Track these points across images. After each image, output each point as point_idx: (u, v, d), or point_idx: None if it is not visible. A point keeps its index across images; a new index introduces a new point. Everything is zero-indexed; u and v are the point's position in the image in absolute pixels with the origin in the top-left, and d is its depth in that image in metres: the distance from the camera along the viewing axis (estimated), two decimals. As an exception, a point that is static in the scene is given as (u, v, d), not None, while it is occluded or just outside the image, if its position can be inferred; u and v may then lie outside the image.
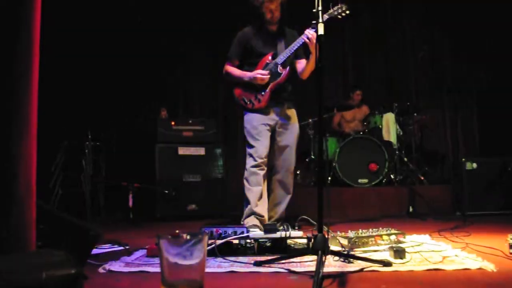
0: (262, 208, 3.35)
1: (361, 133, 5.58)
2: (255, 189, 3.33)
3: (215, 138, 5.19)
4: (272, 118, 3.42)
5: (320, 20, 2.04)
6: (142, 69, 5.82)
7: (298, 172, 5.78)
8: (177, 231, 2.46)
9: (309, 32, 3.16)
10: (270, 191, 3.50)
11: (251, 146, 3.37)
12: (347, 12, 3.11)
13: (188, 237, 1.08)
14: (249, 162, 3.36)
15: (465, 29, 6.18)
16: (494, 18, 5.84)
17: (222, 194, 5.01)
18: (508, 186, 4.49)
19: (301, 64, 3.46)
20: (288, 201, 3.52)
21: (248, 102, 3.37)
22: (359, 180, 5.14)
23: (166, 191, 4.62)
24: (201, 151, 4.99)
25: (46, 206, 1.72)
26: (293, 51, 3.30)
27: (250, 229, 3.13)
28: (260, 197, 3.35)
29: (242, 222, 3.34)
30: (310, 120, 5.54)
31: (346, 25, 6.69)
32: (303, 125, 5.72)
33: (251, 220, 3.26)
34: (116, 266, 2.11)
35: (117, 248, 2.75)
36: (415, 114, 5.53)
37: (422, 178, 5.29)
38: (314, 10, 2.10)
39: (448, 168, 6.16)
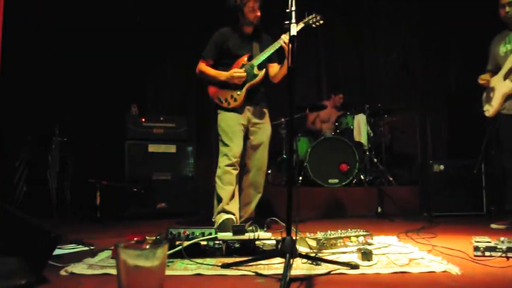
0: (234, 206, 3.36)
1: (333, 133, 5.61)
2: (228, 188, 3.34)
3: (187, 136, 5.13)
4: (246, 117, 3.47)
5: (293, 20, 2.02)
6: (113, 65, 5.68)
7: (269, 172, 5.78)
8: (135, 239, 2.42)
9: (286, 37, 3.23)
10: (240, 190, 3.51)
11: (226, 145, 3.38)
12: (321, 22, 3.30)
13: (147, 246, 1.02)
14: (223, 161, 3.37)
15: (436, 32, 6.30)
16: (464, 23, 5.97)
17: (193, 193, 4.96)
18: (473, 188, 4.61)
19: (273, 68, 3.55)
20: (258, 200, 3.56)
21: (224, 101, 3.40)
22: (330, 180, 5.17)
23: (135, 189, 4.54)
24: (172, 148, 4.93)
25: (2, 204, 1.64)
26: (269, 54, 3.37)
27: (221, 227, 3.12)
28: (233, 196, 3.37)
29: (213, 220, 3.35)
30: (283, 120, 5.54)
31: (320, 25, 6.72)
32: (275, 125, 5.73)
33: (222, 217, 3.25)
34: (79, 268, 2.04)
35: (81, 248, 2.68)
36: (385, 116, 5.60)
37: (391, 179, 5.37)
38: (287, 10, 2.08)
39: (416, 170, 6.26)
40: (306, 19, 3.30)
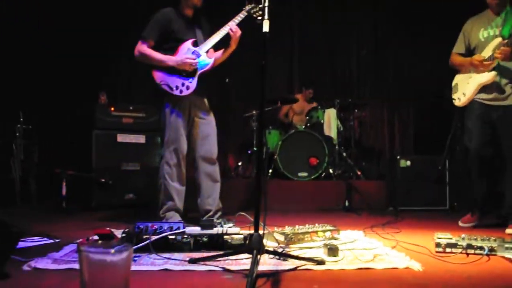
0: (181, 204, 3.35)
1: (303, 127, 5.66)
2: (176, 185, 3.30)
3: (157, 126, 5.04)
4: (194, 108, 3.37)
5: (266, 17, 2.01)
6: (82, 52, 5.55)
7: (239, 164, 5.79)
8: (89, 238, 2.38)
9: (233, 25, 3.18)
10: (198, 184, 3.43)
11: (174, 140, 3.28)
12: (260, 13, 3.05)
13: (113, 251, 1.01)
14: (171, 157, 3.28)
15: (408, 28, 6.41)
16: (436, 21, 6.08)
17: (162, 184, 4.90)
18: (437, 183, 4.74)
19: (210, 53, 3.36)
20: (219, 189, 3.48)
21: (175, 88, 3.20)
22: (299, 174, 5.22)
23: (103, 180, 4.46)
24: (141, 138, 4.85)
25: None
26: (217, 40, 3.23)
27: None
28: (180, 192, 3.34)
29: (162, 215, 3.29)
30: (254, 112, 5.54)
31: (294, 19, 6.76)
32: (247, 117, 5.75)
33: (175, 217, 3.24)
34: (43, 263, 1.99)
35: (46, 241, 2.62)
36: (355, 111, 5.68)
37: (360, 173, 5.47)
38: (260, 6, 2.07)
39: (384, 164, 6.40)
40: (247, 7, 3.18)
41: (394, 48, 6.64)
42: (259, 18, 2.03)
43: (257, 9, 3.14)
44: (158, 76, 3.21)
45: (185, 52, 3.23)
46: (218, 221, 3.30)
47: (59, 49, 5.41)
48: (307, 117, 5.88)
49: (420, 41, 6.29)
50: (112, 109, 4.80)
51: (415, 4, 6.23)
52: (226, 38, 3.27)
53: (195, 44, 3.29)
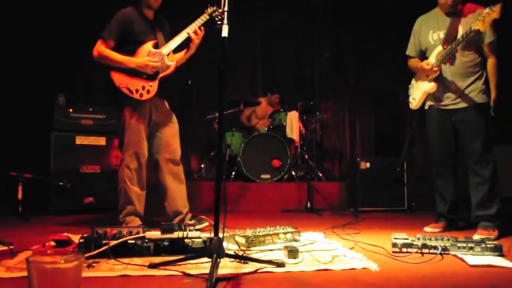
0: (141, 208, 3.31)
1: (266, 129, 5.70)
2: (136, 189, 3.25)
3: (117, 128, 4.95)
4: (155, 111, 3.34)
5: (225, 21, 2.02)
6: (40, 52, 5.39)
7: (202, 166, 5.78)
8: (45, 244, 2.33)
9: (194, 27, 3.18)
10: (163, 186, 3.39)
11: (135, 143, 3.22)
12: (221, 17, 3.07)
13: (62, 261, 0.99)
14: (132, 160, 3.21)
15: (369, 34, 6.56)
16: (396, 27, 6.24)
17: (123, 187, 4.82)
18: (395, 185, 4.86)
19: (174, 56, 3.37)
20: (186, 190, 3.46)
21: (135, 92, 3.13)
22: (262, 176, 5.25)
23: (61, 183, 4.35)
24: (101, 141, 4.76)
25: None
26: (179, 43, 3.21)
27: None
28: (140, 196, 3.29)
29: (122, 220, 3.23)
30: (216, 114, 5.53)
31: (258, 20, 6.80)
32: (210, 119, 5.74)
33: (135, 221, 3.20)
34: (-5, 271, 1.93)
35: (-1, 248, 2.53)
36: (317, 113, 5.77)
37: (321, 175, 5.55)
38: (220, 10, 2.08)
39: (345, 166, 6.53)
40: (209, 11, 3.19)
41: (355, 52, 6.78)
42: (219, 22, 2.02)
43: (219, 12, 3.10)
44: (117, 78, 3.12)
45: (146, 54, 3.17)
46: (191, 222, 3.31)
47: (15, 48, 5.23)
48: (270, 119, 5.92)
49: (381, 45, 6.46)
50: (71, 110, 4.68)
51: (377, 8, 6.40)
52: (186, 41, 3.26)
53: (156, 46, 3.24)
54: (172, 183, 3.38)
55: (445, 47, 3.18)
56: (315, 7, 6.89)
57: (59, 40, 5.53)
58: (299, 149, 5.64)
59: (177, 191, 3.40)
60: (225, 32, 1.98)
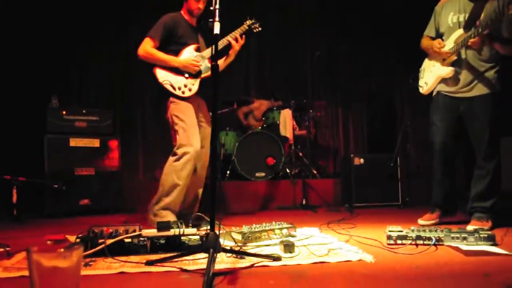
0: (179, 203, 3.29)
1: (260, 128, 5.72)
2: (183, 185, 3.22)
3: (111, 130, 4.96)
4: (198, 109, 3.44)
5: (217, 19, 2.04)
6: (33, 54, 5.37)
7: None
8: (48, 242, 2.33)
9: (237, 35, 3.38)
10: (190, 187, 3.40)
11: (187, 137, 3.23)
12: (259, 28, 3.55)
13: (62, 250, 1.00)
14: (184, 155, 3.20)
15: (360, 32, 6.60)
16: (390, 27, 6.30)
17: (118, 188, 4.82)
18: (389, 180, 4.90)
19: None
20: (201, 194, 3.57)
21: (178, 89, 3.28)
22: (257, 174, 5.26)
23: (56, 185, 4.33)
24: (95, 142, 4.75)
25: None
26: (220, 48, 3.26)
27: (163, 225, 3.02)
28: (183, 193, 3.28)
29: (156, 211, 3.21)
30: (210, 114, 5.53)
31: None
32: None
33: (167, 216, 3.16)
34: (-7, 271, 1.94)
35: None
36: (310, 111, 5.80)
37: (315, 172, 5.58)
38: (211, 8, 2.10)
39: (339, 163, 6.56)
40: (248, 23, 3.49)
41: (347, 50, 6.82)
42: (217, 21, 2.05)
43: (257, 25, 3.49)
44: (160, 74, 3.28)
45: (189, 55, 3.34)
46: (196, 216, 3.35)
47: (7, 50, 5.21)
48: (263, 118, 5.94)
49: (372, 43, 6.51)
50: (64, 112, 4.67)
51: (368, 7, 6.44)
52: (226, 48, 3.43)
53: (198, 50, 3.42)
54: (195, 186, 3.47)
55: (466, 31, 3.06)
56: (307, 7, 6.92)
57: (51, 42, 5.51)
58: (293, 147, 5.66)
59: (195, 194, 3.50)
60: (216, 29, 2.00)
